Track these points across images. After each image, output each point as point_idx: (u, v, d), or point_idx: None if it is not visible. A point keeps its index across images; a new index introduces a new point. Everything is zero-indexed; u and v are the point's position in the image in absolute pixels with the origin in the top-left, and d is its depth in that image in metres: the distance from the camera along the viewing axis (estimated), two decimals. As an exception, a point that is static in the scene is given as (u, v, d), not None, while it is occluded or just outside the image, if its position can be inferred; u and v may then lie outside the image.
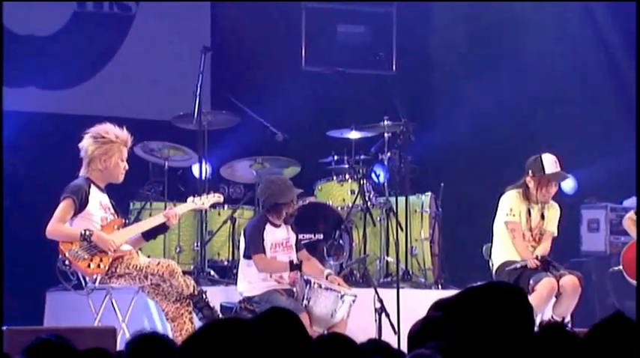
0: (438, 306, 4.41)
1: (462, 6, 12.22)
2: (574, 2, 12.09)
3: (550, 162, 8.86)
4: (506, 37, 12.13)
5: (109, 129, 7.82)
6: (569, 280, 8.67)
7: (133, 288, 7.92)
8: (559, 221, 8.99)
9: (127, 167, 7.89)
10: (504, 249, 8.82)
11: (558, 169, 8.87)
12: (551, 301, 8.65)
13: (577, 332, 3.76)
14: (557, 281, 8.61)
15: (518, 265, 8.67)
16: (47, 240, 7.74)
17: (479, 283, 3.37)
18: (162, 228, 7.98)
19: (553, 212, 8.96)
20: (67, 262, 7.69)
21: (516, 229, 8.77)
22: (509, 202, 8.83)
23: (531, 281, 8.50)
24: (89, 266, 7.64)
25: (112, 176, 7.85)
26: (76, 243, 7.64)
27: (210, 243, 9.81)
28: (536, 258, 8.66)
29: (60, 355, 3.88)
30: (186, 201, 8.30)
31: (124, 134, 7.85)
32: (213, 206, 8.82)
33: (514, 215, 8.81)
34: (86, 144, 7.81)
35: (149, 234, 7.95)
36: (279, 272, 8.39)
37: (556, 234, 8.98)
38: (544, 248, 8.87)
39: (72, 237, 7.65)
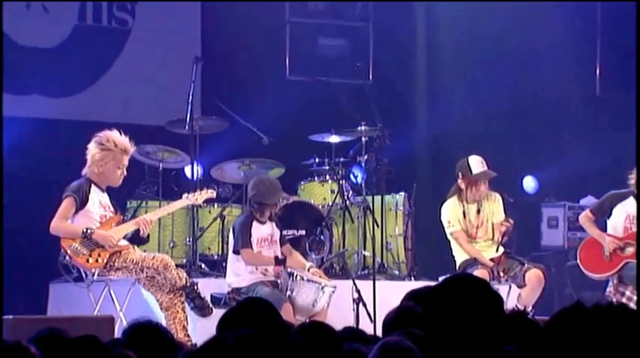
0: (411, 296, 4.41)
1: (434, 20, 12.23)
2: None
3: (476, 163, 8.88)
4: (476, 47, 12.14)
5: (111, 137, 7.76)
6: (534, 273, 8.73)
7: (130, 280, 7.91)
8: (504, 207, 8.95)
9: (124, 173, 7.81)
10: (460, 252, 8.91)
11: (484, 169, 8.88)
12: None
13: (538, 320, 3.78)
14: (492, 273, 8.66)
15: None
16: (50, 236, 7.71)
17: (449, 275, 3.37)
18: (140, 239, 7.90)
19: (492, 204, 8.94)
20: (67, 257, 7.67)
21: (459, 237, 8.85)
22: (446, 214, 8.90)
23: None
24: (88, 261, 7.62)
25: (109, 180, 7.81)
26: (76, 240, 7.62)
27: (202, 239, 9.79)
28: (492, 259, 8.71)
29: (54, 344, 3.84)
30: (180, 199, 8.30)
31: (124, 143, 7.77)
32: (205, 202, 8.82)
33: (453, 225, 8.87)
34: (90, 147, 7.79)
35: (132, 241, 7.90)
36: (265, 265, 8.38)
37: (503, 217, 8.91)
38: (497, 241, 8.85)
39: (74, 233, 7.63)
